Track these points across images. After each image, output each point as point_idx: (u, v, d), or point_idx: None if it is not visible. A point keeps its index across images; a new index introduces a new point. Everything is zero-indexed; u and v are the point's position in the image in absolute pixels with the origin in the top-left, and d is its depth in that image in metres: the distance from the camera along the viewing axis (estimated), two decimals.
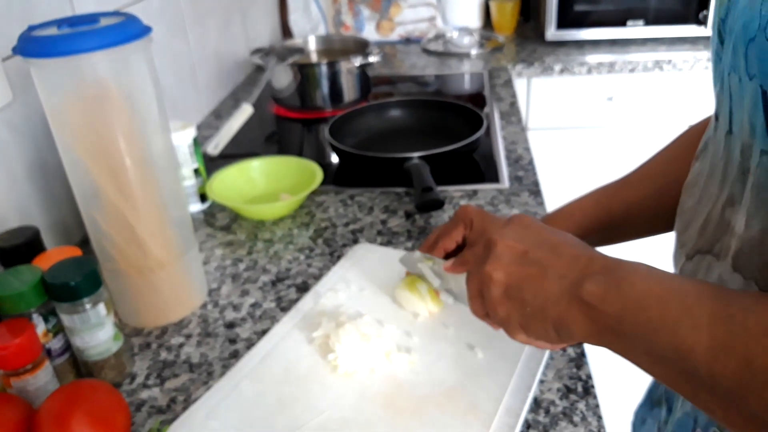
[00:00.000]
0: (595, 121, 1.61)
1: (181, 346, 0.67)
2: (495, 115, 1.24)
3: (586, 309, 0.40)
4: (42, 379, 0.56)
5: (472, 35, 1.73)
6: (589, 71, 1.54)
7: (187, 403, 0.59)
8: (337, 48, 1.50)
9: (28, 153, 0.78)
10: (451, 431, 0.52)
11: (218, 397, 0.57)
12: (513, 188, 0.94)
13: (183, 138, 0.88)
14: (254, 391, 0.58)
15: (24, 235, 0.68)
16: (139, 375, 0.63)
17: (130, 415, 0.55)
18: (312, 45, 1.51)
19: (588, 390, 0.57)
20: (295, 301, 0.72)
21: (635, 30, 1.61)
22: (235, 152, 1.14)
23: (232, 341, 0.67)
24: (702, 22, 1.58)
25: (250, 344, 0.66)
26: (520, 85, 1.58)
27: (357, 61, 1.31)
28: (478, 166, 1.02)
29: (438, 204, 0.85)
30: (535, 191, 0.93)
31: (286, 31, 1.85)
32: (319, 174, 0.91)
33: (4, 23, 0.74)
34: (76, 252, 0.65)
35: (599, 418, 0.54)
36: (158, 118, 0.64)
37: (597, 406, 0.56)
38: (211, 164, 1.05)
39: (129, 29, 0.58)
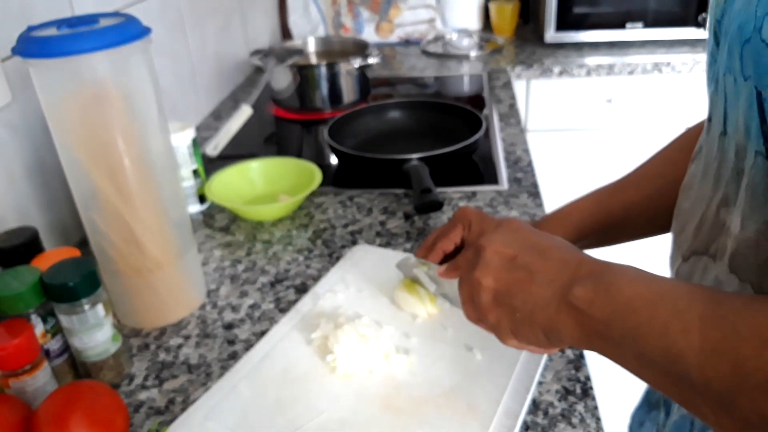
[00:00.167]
0: (594, 123, 1.62)
1: (179, 347, 0.67)
2: (494, 116, 1.24)
3: (574, 313, 0.40)
4: (40, 380, 0.56)
5: (472, 37, 1.73)
6: (588, 73, 1.54)
7: (186, 404, 0.59)
8: (336, 49, 1.50)
9: (26, 153, 0.78)
10: None
11: (217, 398, 0.57)
12: (512, 190, 0.94)
13: (182, 139, 0.88)
14: (253, 392, 0.58)
15: (23, 235, 0.68)
16: (137, 376, 0.63)
17: (128, 416, 0.55)
18: (311, 46, 1.51)
19: (586, 392, 0.57)
20: (294, 302, 0.72)
21: (634, 32, 1.62)
22: (234, 153, 1.14)
23: (231, 342, 0.67)
24: (701, 24, 1.58)
25: (248, 345, 0.66)
26: (519, 86, 1.58)
27: (356, 63, 1.31)
28: (477, 168, 1.02)
29: (437, 205, 0.85)
30: (534, 193, 0.93)
31: (285, 33, 1.86)
32: (318, 175, 0.91)
33: (4, 24, 0.74)
34: (75, 253, 0.65)
35: (598, 419, 0.54)
36: (157, 119, 0.64)
37: (595, 407, 0.56)
38: (210, 165, 1.05)
39: (128, 30, 0.58)
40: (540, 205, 0.90)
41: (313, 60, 1.50)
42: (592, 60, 1.57)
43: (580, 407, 0.56)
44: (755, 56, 0.35)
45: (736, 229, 0.40)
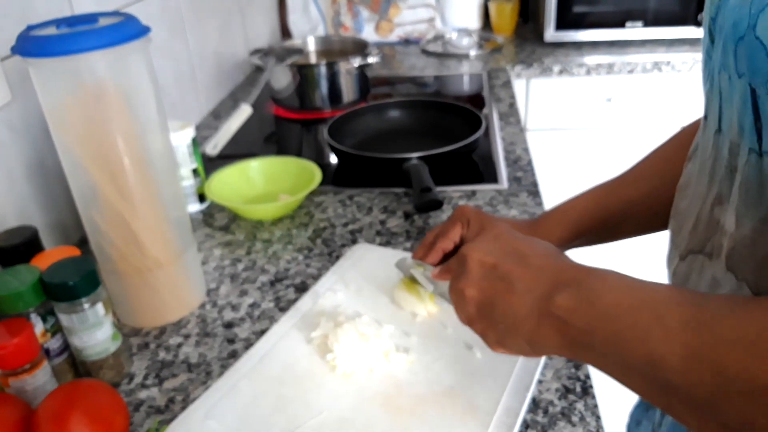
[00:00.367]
0: (593, 122, 1.62)
1: (179, 346, 0.67)
2: (494, 115, 1.24)
3: (556, 323, 0.40)
4: (40, 379, 0.56)
5: (471, 36, 1.73)
6: (588, 72, 1.54)
7: (186, 403, 0.59)
8: (336, 49, 1.50)
9: (26, 153, 0.78)
10: (449, 431, 0.52)
11: (217, 397, 0.57)
12: (512, 189, 0.94)
13: (182, 138, 0.88)
14: (253, 391, 0.58)
15: (22, 234, 0.68)
16: (137, 375, 0.63)
17: (128, 415, 0.55)
18: (311, 46, 1.51)
19: (586, 390, 0.57)
20: (294, 301, 0.72)
21: (634, 31, 1.62)
22: (233, 152, 1.14)
23: (231, 341, 0.67)
24: (701, 23, 1.58)
25: (248, 344, 0.66)
26: (519, 86, 1.58)
27: (356, 62, 1.31)
28: (476, 167, 1.02)
29: (437, 204, 0.85)
30: (534, 192, 0.93)
31: (285, 32, 1.86)
32: (317, 174, 0.91)
33: (3, 23, 0.74)
34: (75, 252, 0.65)
35: (598, 418, 0.54)
36: (157, 118, 0.64)
37: (595, 406, 0.56)
38: (210, 164, 1.05)
39: (128, 29, 0.58)
40: (540, 204, 0.90)
41: (313, 59, 1.50)
42: (591, 59, 1.57)
43: (580, 405, 0.56)
44: (749, 53, 0.35)
45: (732, 228, 0.40)
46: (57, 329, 0.59)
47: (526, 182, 0.96)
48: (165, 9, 1.16)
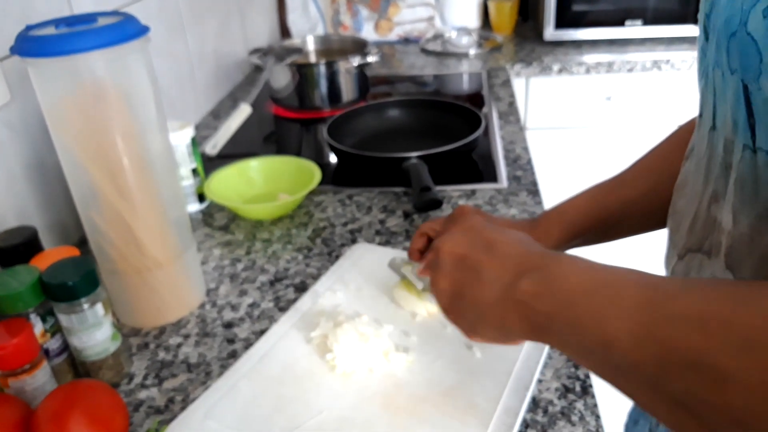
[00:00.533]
0: (593, 120, 1.62)
1: (179, 346, 0.67)
2: (493, 114, 1.24)
3: (520, 308, 0.40)
4: (40, 380, 0.56)
5: (471, 35, 1.73)
6: (588, 71, 1.54)
7: (186, 403, 0.59)
8: (335, 48, 1.50)
9: (25, 153, 0.78)
10: (449, 431, 0.52)
11: (216, 397, 0.57)
12: (511, 188, 0.94)
13: (181, 138, 0.88)
14: (252, 390, 0.58)
15: (22, 235, 0.68)
16: (137, 375, 0.63)
17: (128, 415, 0.55)
18: (310, 45, 1.51)
19: (586, 389, 0.57)
20: (294, 301, 0.72)
21: (633, 30, 1.62)
22: (233, 152, 1.14)
23: (231, 341, 0.67)
24: None
25: (248, 344, 0.66)
26: (518, 84, 1.58)
27: (355, 61, 1.31)
28: (476, 166, 1.02)
29: (436, 204, 0.85)
30: (534, 191, 0.93)
31: (284, 31, 1.85)
32: (317, 174, 0.91)
33: (2, 23, 0.74)
34: (74, 252, 0.65)
35: (597, 417, 0.54)
36: (156, 117, 0.64)
37: (595, 405, 0.56)
38: (210, 164, 1.05)
39: (127, 29, 0.58)
40: (539, 203, 0.90)
41: (312, 58, 1.50)
42: (591, 58, 1.57)
43: (579, 405, 0.56)
44: (741, 49, 0.35)
45: (729, 225, 0.40)
46: (56, 329, 0.59)
47: (525, 181, 0.96)
48: (164, 8, 1.16)
